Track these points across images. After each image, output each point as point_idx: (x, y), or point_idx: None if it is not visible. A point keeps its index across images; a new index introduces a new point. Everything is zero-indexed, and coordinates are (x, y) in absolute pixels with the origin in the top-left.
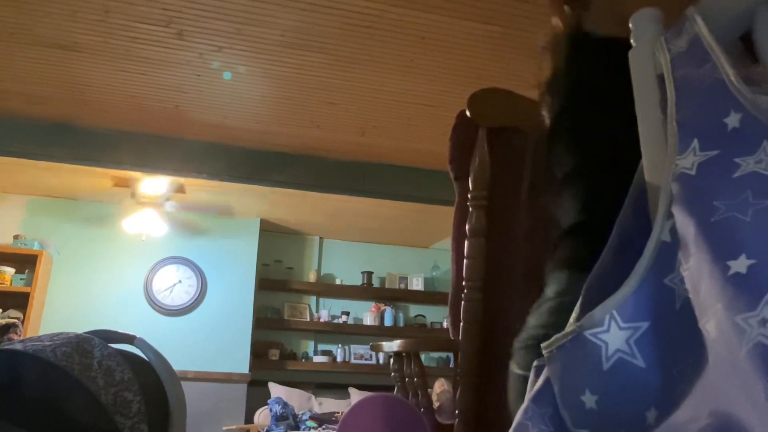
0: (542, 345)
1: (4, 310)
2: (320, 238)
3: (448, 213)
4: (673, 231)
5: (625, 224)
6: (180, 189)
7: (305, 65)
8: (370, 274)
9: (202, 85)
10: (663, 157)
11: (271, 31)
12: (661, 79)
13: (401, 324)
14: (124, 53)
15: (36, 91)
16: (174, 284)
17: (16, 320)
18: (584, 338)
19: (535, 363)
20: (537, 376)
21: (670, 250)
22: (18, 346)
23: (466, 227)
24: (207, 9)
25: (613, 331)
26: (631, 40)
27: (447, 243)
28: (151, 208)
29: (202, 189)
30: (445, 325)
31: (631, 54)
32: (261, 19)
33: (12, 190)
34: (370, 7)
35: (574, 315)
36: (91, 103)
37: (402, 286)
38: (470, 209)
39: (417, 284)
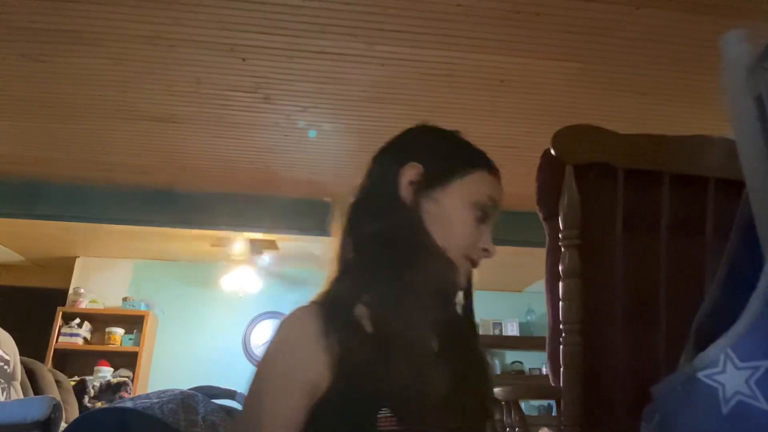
0: (652, 389)
1: (115, 370)
2: None
3: (539, 255)
4: None
5: (734, 257)
6: (272, 245)
7: (385, 118)
8: None
9: (290, 144)
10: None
11: (352, 87)
12: (759, 101)
13: (498, 371)
14: (217, 120)
15: (139, 161)
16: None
17: (126, 379)
18: (698, 380)
19: (646, 408)
20: (649, 422)
21: None
22: (128, 404)
23: (559, 268)
24: (291, 73)
25: (730, 372)
26: (724, 63)
27: (540, 285)
28: (245, 265)
29: (295, 243)
30: (544, 371)
31: (725, 77)
32: (342, 77)
33: (120, 255)
34: (447, 56)
35: (684, 356)
36: (189, 169)
37: (496, 331)
38: (562, 249)
39: (512, 329)
